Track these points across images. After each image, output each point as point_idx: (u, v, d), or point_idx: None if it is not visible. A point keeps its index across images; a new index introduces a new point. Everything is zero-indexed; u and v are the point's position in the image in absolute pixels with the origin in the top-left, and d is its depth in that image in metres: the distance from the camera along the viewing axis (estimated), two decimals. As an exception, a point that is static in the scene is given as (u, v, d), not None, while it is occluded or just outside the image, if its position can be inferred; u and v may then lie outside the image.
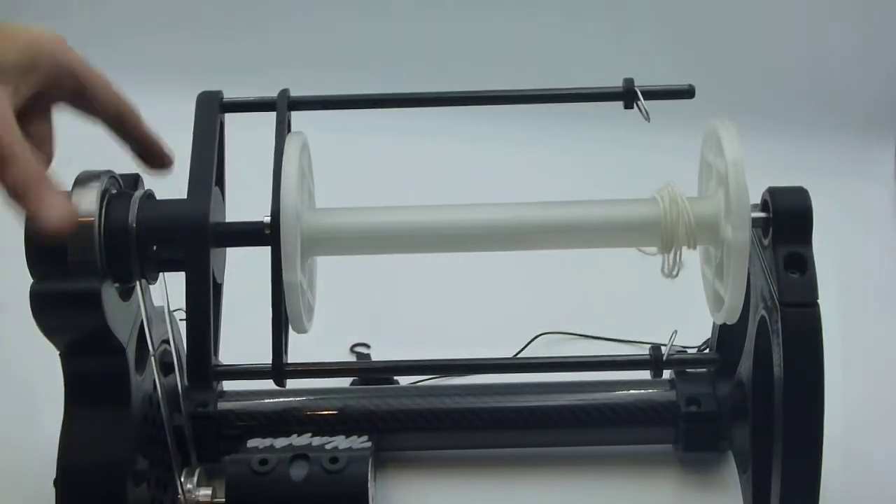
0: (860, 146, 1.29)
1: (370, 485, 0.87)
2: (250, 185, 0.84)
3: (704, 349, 0.98)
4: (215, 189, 0.81)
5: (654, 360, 0.83)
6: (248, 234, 0.80)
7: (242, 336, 0.87)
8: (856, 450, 0.94)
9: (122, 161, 0.81)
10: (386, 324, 1.07)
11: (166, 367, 0.86)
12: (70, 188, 0.77)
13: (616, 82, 0.83)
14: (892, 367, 1.04)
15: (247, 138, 0.87)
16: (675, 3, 1.35)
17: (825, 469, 0.79)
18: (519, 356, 1.03)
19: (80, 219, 0.75)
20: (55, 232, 0.69)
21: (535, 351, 1.05)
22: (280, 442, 0.89)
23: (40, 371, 0.85)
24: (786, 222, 0.80)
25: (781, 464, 0.79)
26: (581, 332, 1.06)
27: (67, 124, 0.78)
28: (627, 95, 0.83)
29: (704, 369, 0.94)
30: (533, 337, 1.05)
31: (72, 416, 0.79)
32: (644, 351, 0.85)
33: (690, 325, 0.92)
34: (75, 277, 0.76)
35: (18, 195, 0.69)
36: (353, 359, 1.03)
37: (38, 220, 0.69)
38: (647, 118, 0.82)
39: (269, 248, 0.78)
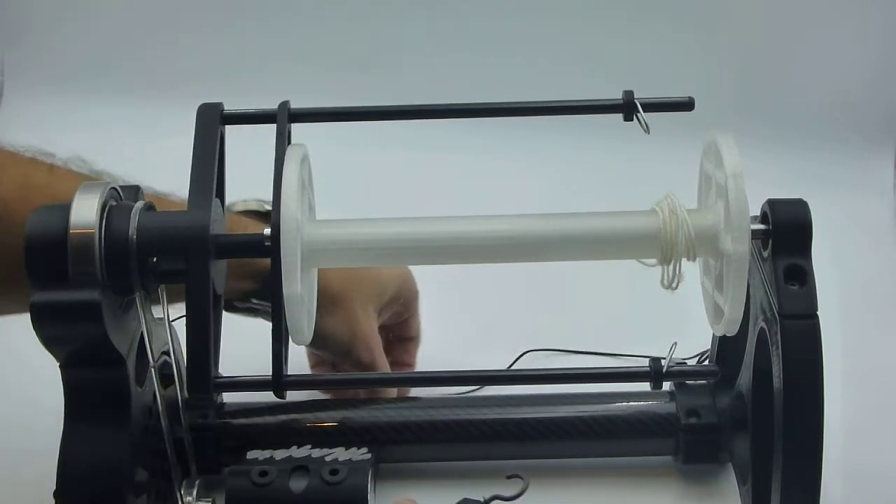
0: (860, 157, 1.29)
1: (370, 496, 0.86)
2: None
3: (704, 361, 0.98)
4: (216, 201, 0.81)
5: (654, 372, 0.83)
6: (249, 246, 0.80)
7: (242, 348, 0.87)
8: (855, 461, 0.94)
9: (122, 168, 0.81)
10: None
11: (166, 379, 0.86)
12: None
13: (616, 94, 0.84)
14: (892, 379, 1.03)
15: (247, 150, 0.87)
16: (674, 15, 1.35)
17: (825, 481, 0.79)
18: (519, 368, 1.02)
19: (80, 230, 0.76)
20: None
21: (535, 363, 1.05)
22: (280, 454, 0.88)
23: (40, 382, 0.85)
24: (785, 234, 0.80)
25: (781, 475, 0.79)
26: (581, 342, 1.06)
27: (68, 134, 0.78)
28: (627, 108, 0.83)
29: (704, 381, 0.94)
30: (520, 354, 1.05)
31: (71, 427, 0.79)
32: (642, 363, 0.85)
33: (689, 337, 0.92)
34: (76, 288, 0.75)
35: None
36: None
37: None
38: (647, 130, 0.82)
39: (269, 259, 0.78)
